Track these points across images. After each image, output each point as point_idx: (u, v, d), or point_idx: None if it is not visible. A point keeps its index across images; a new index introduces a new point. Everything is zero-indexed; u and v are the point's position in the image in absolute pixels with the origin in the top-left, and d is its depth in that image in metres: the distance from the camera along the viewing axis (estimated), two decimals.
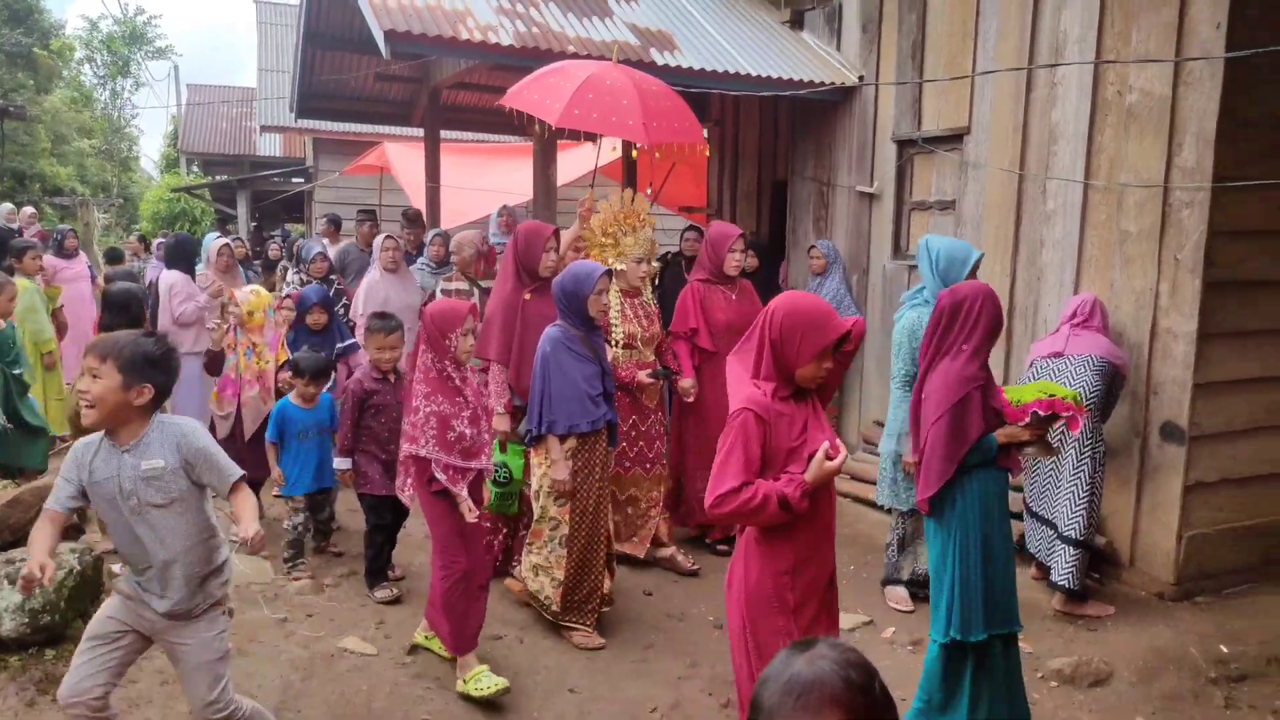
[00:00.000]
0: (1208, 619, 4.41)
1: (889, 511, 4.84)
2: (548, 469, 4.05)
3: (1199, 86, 4.41)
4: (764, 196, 8.44)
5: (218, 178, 17.76)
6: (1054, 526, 4.56)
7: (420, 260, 7.26)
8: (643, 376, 4.79)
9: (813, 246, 6.78)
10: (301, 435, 4.68)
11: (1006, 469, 3.27)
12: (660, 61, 6.21)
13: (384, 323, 4.46)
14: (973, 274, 4.27)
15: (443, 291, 5.88)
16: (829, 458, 2.50)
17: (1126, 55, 4.74)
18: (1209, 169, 4.38)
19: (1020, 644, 4.19)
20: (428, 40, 5.60)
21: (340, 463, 4.45)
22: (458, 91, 9.64)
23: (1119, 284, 4.85)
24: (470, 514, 3.58)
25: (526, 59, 5.83)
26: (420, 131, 11.87)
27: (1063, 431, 4.35)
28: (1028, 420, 3.26)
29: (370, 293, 6.34)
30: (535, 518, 4.17)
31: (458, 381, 3.65)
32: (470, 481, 3.65)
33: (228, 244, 7.13)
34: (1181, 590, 4.66)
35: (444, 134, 11.54)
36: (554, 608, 4.12)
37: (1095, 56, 4.89)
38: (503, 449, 4.45)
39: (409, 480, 3.68)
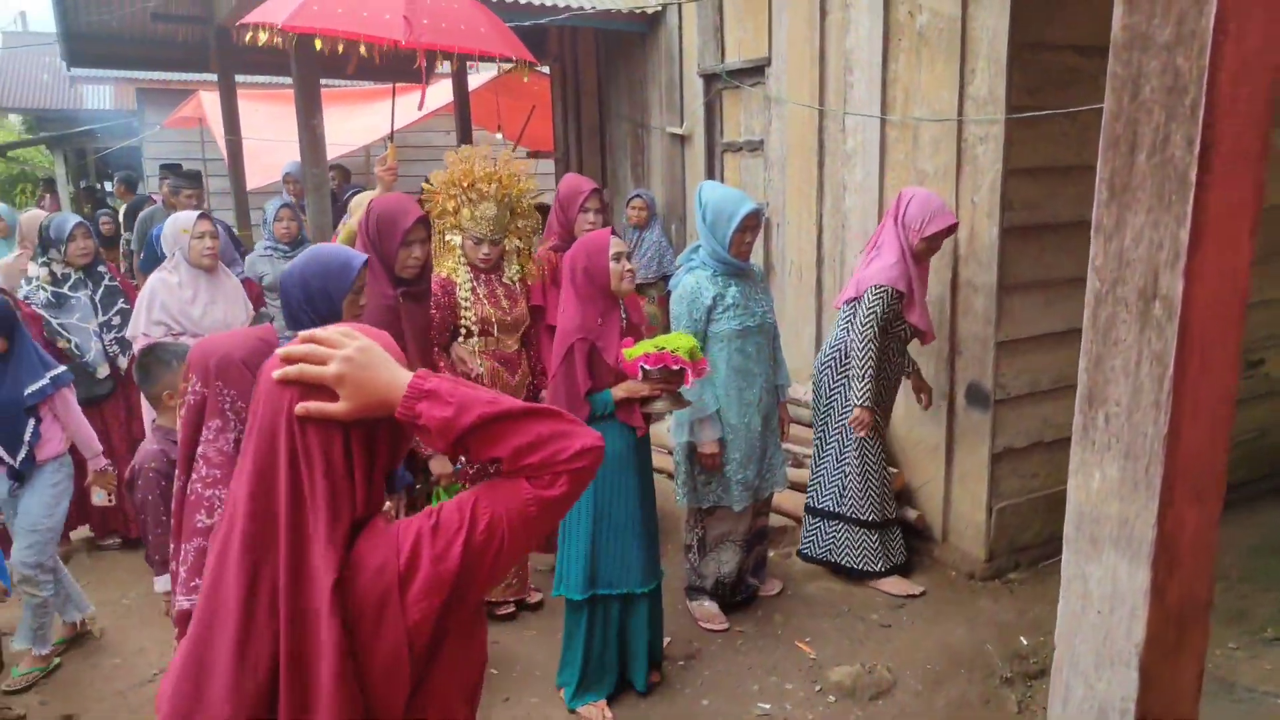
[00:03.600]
0: (1012, 606, 4.00)
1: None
2: None
3: (989, 4, 3.83)
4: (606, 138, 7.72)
5: (40, 135, 16.24)
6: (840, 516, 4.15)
7: (264, 245, 5.58)
8: None
9: (635, 196, 6.14)
10: None
11: (632, 426, 3.21)
12: None
13: (177, 349, 3.07)
14: (744, 230, 3.66)
15: None
16: None
17: None
18: (1002, 98, 3.83)
19: (802, 647, 3.78)
20: None
21: (161, 584, 2.85)
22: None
23: None
24: None
25: None
26: (264, 78, 10.86)
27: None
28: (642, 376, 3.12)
29: (159, 299, 4.21)
30: None
31: None
32: None
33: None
34: (993, 568, 4.25)
35: (253, 79, 10.54)
36: None
37: None
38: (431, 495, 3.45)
39: None
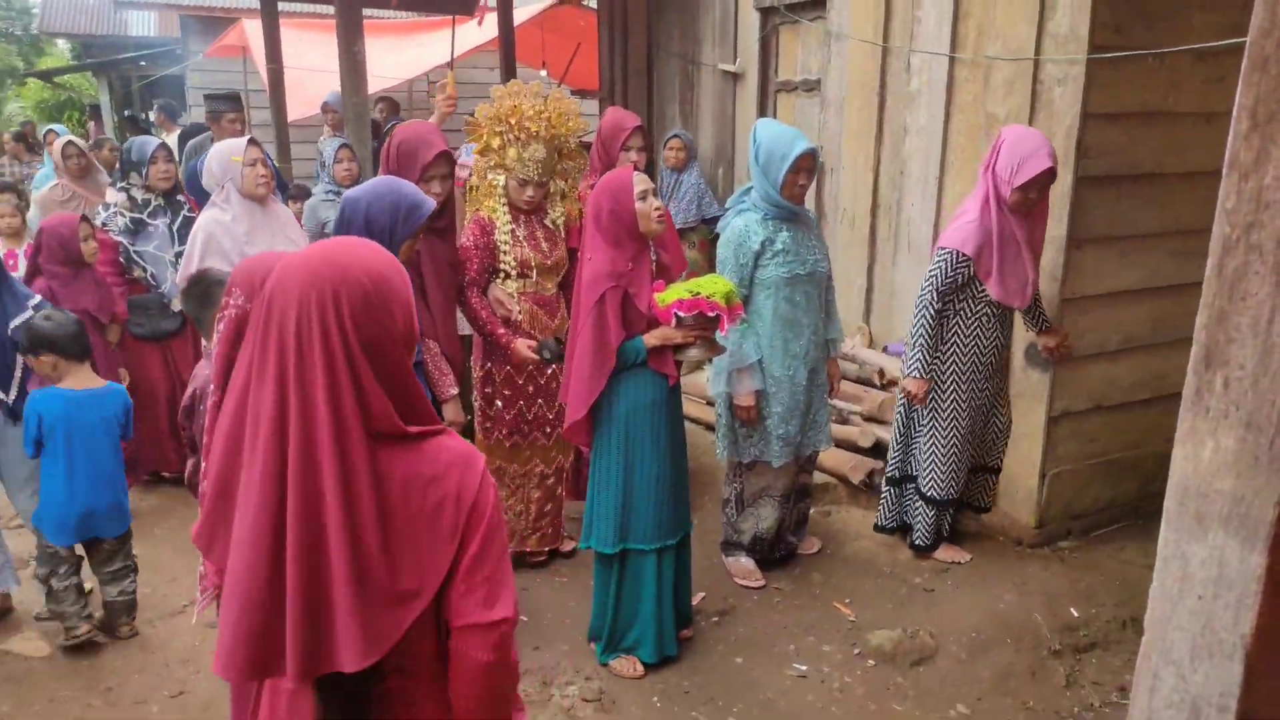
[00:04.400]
0: (1062, 574, 3.82)
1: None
2: None
3: None
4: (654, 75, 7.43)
5: (83, 61, 16.23)
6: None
7: (324, 188, 5.30)
8: (522, 346, 3.54)
9: (673, 136, 5.91)
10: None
11: (665, 374, 3.06)
12: None
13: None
14: (798, 171, 3.44)
15: None
16: None
17: None
18: (1084, 36, 3.55)
19: (841, 609, 3.66)
20: None
21: None
22: None
23: None
24: None
25: None
26: (309, 6, 10.62)
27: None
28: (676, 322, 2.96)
29: (213, 240, 3.90)
30: None
31: None
32: None
33: (74, 141, 5.62)
34: (1044, 534, 4.07)
35: (295, 8, 10.34)
36: None
37: None
38: None
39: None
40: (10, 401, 3.31)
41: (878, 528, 4.07)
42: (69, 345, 3.13)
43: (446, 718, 1.44)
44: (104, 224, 4.35)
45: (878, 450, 4.41)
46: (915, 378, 3.69)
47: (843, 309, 4.36)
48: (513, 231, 3.67)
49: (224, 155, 3.98)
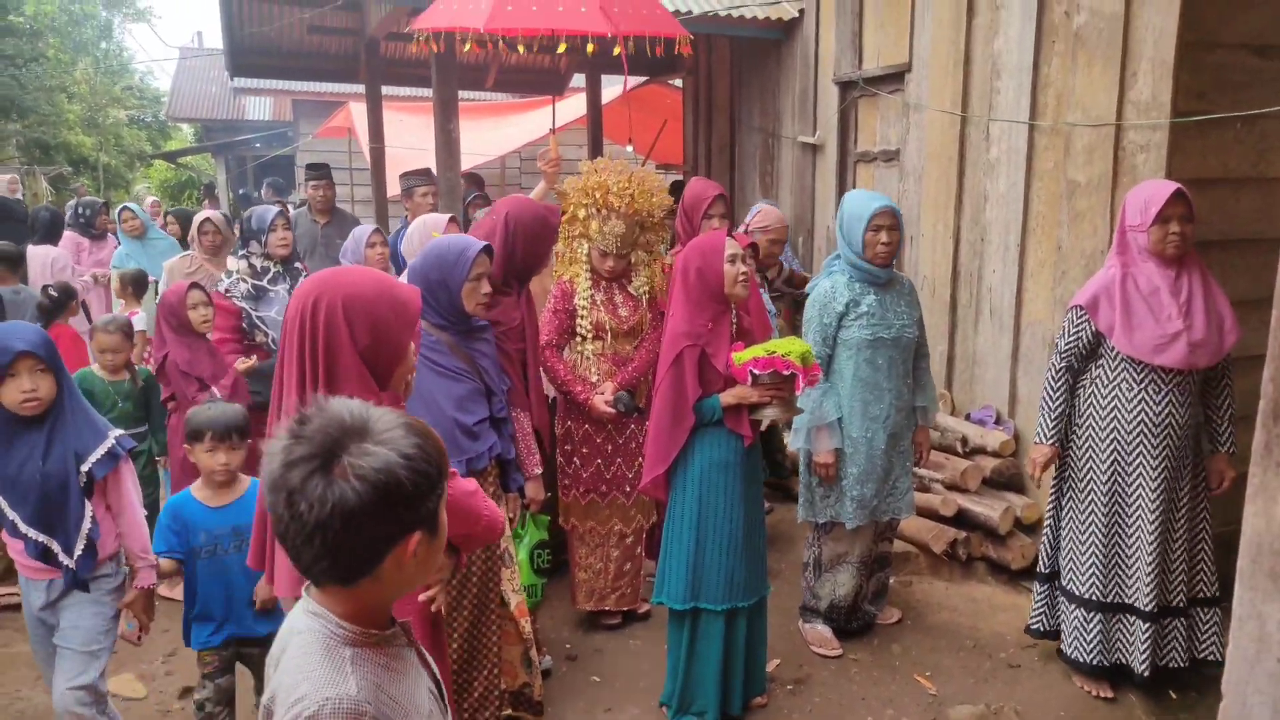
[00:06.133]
0: None
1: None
2: None
3: (1155, 2, 3.56)
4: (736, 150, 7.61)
5: (203, 143, 17.42)
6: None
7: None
8: (599, 402, 3.66)
9: (759, 210, 6.00)
10: (209, 550, 2.82)
11: (740, 434, 3.07)
12: None
13: None
14: (877, 229, 3.46)
15: None
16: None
17: None
18: (1167, 102, 3.54)
19: (922, 681, 3.56)
20: None
21: None
22: (402, 44, 8.95)
23: (1066, 245, 4.04)
24: None
25: None
26: (409, 90, 11.27)
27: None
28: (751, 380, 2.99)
29: None
30: None
31: None
32: None
33: (210, 219, 5.67)
34: None
35: (397, 91, 10.93)
36: None
37: None
38: (520, 522, 3.33)
39: None
40: (74, 564, 2.57)
41: (1029, 630, 3.62)
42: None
43: None
44: (226, 290, 4.43)
45: (960, 520, 4.32)
46: (1036, 442, 3.40)
47: None
48: (592, 296, 3.79)
49: (426, 229, 4.00)
